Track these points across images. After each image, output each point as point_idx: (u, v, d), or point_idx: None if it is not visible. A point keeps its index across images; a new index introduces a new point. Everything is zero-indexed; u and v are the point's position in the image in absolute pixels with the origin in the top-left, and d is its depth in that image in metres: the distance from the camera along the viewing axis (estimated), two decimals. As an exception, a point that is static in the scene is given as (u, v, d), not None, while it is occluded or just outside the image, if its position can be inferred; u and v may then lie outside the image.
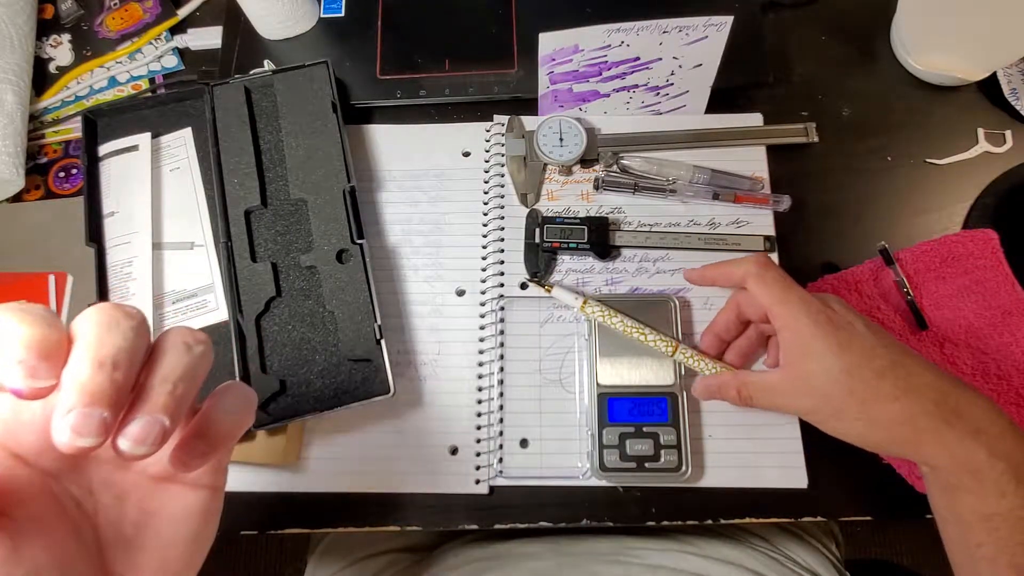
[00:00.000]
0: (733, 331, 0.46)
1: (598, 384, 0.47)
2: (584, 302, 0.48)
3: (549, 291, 0.49)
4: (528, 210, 0.54)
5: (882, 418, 0.36)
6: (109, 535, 0.24)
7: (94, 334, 0.20)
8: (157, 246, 0.51)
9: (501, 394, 0.49)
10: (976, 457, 0.33)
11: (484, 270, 0.53)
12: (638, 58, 0.51)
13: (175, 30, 0.62)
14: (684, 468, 0.45)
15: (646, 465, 0.45)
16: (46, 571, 0.21)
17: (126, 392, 0.21)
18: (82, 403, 0.19)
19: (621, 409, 0.47)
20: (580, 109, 0.56)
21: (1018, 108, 0.54)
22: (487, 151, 0.56)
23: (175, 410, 0.21)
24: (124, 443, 0.20)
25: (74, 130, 0.60)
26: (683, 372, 0.47)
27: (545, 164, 0.55)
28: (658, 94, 0.54)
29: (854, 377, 0.36)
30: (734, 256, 0.52)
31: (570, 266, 0.53)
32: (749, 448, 0.47)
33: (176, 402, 0.21)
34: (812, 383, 0.37)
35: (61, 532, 0.22)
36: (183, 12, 0.62)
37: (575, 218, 0.52)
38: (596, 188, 0.54)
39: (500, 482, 0.48)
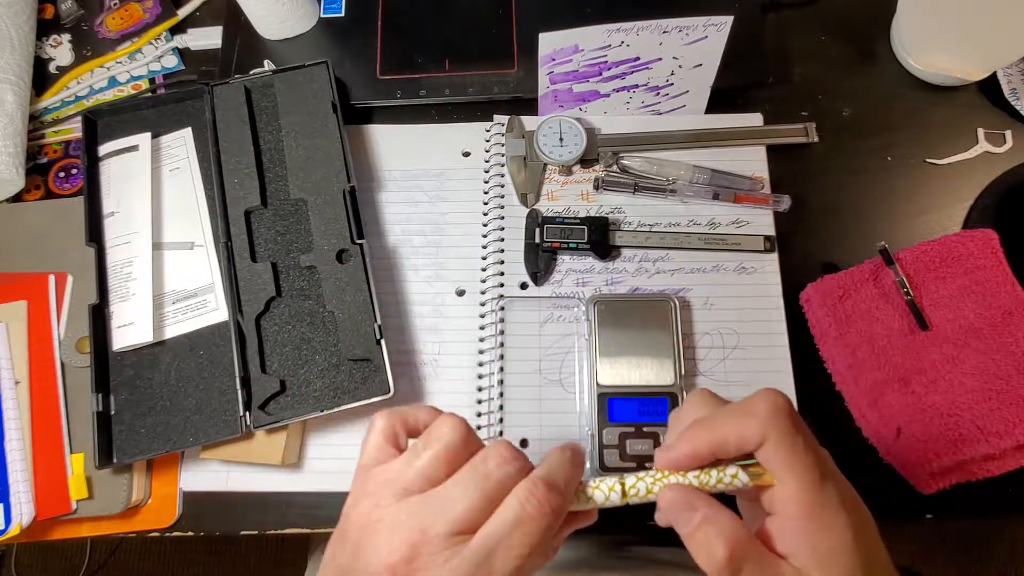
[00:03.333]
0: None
1: (598, 384, 0.47)
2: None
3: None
4: (528, 210, 0.54)
5: None
6: None
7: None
8: (157, 246, 0.51)
9: (501, 394, 0.49)
10: None
11: (484, 270, 0.53)
12: (638, 58, 0.51)
13: (175, 30, 0.62)
14: (684, 468, 0.45)
15: (646, 465, 0.45)
16: None
17: None
18: None
19: (621, 409, 0.47)
20: (580, 109, 0.56)
21: (1018, 108, 0.54)
22: (487, 151, 0.56)
23: None
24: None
25: (74, 130, 0.60)
26: (683, 372, 0.47)
27: (545, 164, 0.55)
28: (658, 94, 0.54)
29: None
30: (734, 256, 0.52)
31: (570, 266, 0.53)
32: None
33: None
34: None
35: None
36: (183, 12, 0.62)
37: (575, 218, 0.52)
38: (596, 188, 0.54)
39: (500, 482, 0.48)
